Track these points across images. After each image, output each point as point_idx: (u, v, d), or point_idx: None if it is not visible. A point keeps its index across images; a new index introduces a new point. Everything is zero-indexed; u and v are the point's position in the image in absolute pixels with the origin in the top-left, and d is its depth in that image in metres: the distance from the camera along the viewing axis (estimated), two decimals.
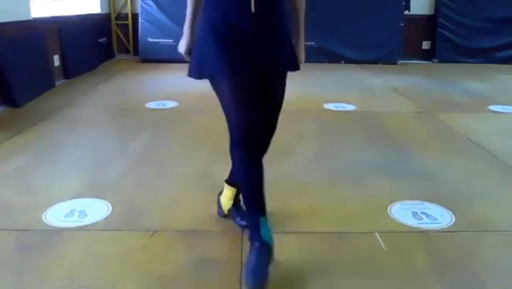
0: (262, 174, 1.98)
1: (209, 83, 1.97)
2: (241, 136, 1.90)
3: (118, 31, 7.96)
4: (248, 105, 1.89)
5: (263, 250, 1.85)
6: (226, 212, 2.35)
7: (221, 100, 1.94)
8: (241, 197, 2.28)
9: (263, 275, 1.80)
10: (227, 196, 2.33)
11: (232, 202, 2.32)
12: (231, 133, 1.93)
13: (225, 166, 2.90)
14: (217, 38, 1.89)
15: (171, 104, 4.78)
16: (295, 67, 2.08)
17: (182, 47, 2.07)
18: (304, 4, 2.09)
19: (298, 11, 2.09)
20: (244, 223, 2.26)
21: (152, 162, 3.20)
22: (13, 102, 4.51)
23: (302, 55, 2.14)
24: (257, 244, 1.87)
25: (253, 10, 1.84)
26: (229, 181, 2.32)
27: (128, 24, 7.90)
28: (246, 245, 2.14)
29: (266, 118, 2.02)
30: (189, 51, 2.06)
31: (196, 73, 1.98)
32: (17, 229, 2.28)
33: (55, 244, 2.16)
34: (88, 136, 3.81)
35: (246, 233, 2.24)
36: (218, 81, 1.92)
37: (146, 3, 7.40)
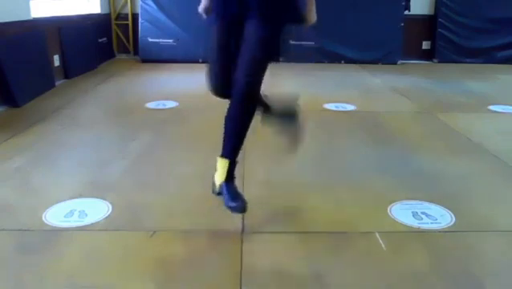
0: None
1: None
2: (211, 84, 2.33)
3: (118, 31, 7.96)
4: (222, 54, 2.26)
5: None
6: (218, 187, 2.24)
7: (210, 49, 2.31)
8: (236, 175, 2.27)
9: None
10: (220, 168, 2.23)
11: (224, 176, 2.21)
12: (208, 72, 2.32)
13: None
14: None
15: (171, 104, 4.78)
16: (297, 20, 2.27)
17: (200, 7, 2.37)
18: None
19: None
20: (234, 204, 2.15)
21: (152, 162, 3.20)
22: (13, 102, 4.51)
23: (311, 15, 2.29)
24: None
25: None
26: (222, 154, 2.25)
27: (128, 24, 7.89)
28: (246, 245, 2.15)
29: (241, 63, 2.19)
30: (206, 10, 2.37)
31: (208, 23, 2.33)
32: (17, 229, 2.28)
33: (55, 244, 2.16)
34: (88, 136, 3.81)
35: (246, 233, 2.26)
36: (213, 27, 2.28)
37: (146, 3, 7.40)
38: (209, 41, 2.31)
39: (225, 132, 2.26)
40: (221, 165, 2.24)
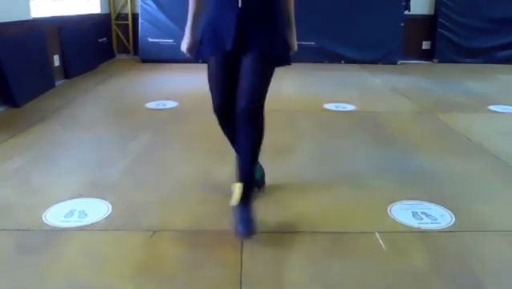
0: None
1: None
2: (215, 107, 2.35)
3: (118, 31, 7.96)
4: (221, 84, 2.30)
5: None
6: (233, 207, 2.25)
7: (208, 78, 2.35)
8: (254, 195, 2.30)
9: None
10: (235, 191, 2.23)
11: (237, 200, 2.20)
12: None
13: (224, 166, 2.92)
14: (209, 29, 2.29)
15: (171, 104, 4.78)
16: (284, 61, 2.36)
17: (184, 46, 2.41)
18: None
19: (288, 4, 2.37)
20: (239, 230, 2.14)
21: (152, 162, 3.20)
22: (13, 102, 4.51)
23: (294, 44, 2.43)
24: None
25: (239, 5, 2.15)
26: (238, 179, 2.27)
27: (128, 24, 7.89)
28: (246, 245, 2.14)
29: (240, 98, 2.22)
30: (190, 50, 2.41)
31: (195, 55, 2.40)
32: (17, 229, 2.28)
33: (55, 244, 2.16)
34: (88, 136, 3.81)
35: None
36: (208, 62, 2.34)
37: (146, 3, 7.40)
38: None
39: (239, 157, 2.29)
40: (236, 189, 2.22)
